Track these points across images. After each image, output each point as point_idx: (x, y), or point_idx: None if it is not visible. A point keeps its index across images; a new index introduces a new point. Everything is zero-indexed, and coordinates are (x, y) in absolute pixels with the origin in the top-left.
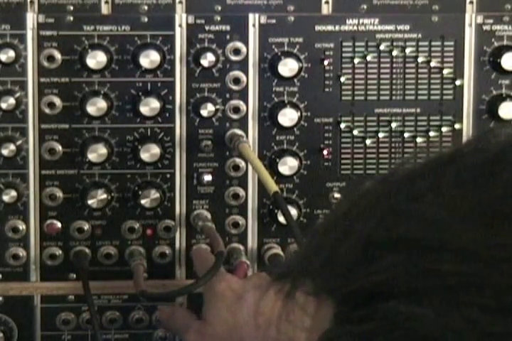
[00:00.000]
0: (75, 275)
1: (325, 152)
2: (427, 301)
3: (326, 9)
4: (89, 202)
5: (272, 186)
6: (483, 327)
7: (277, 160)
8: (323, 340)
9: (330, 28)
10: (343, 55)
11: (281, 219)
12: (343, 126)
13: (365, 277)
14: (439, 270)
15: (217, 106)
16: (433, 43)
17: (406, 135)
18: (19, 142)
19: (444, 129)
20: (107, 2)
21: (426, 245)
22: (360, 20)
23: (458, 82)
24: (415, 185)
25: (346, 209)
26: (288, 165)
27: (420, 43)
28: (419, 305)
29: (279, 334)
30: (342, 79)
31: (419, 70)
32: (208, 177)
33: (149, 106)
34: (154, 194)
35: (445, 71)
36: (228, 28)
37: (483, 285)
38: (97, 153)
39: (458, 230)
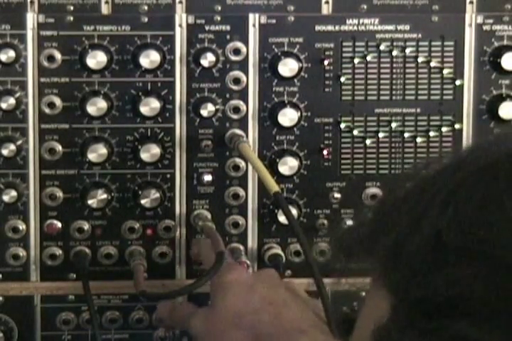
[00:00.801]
0: (75, 275)
1: (325, 152)
2: (495, 327)
3: (326, 9)
4: (89, 202)
5: (273, 186)
6: None
7: (277, 160)
8: (382, 335)
9: (330, 28)
10: (343, 55)
11: (281, 219)
12: (343, 126)
13: (436, 288)
14: None
15: (217, 106)
16: (433, 43)
17: (406, 135)
18: (19, 142)
19: (444, 129)
20: (107, 2)
21: (502, 262)
22: (360, 20)
23: (458, 82)
24: (492, 184)
25: (416, 194)
26: (288, 165)
27: (420, 43)
28: (487, 330)
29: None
30: (342, 79)
31: (419, 70)
32: (208, 177)
33: (149, 106)
34: (154, 194)
35: (445, 71)
36: (228, 28)
37: None
38: (97, 153)
39: None
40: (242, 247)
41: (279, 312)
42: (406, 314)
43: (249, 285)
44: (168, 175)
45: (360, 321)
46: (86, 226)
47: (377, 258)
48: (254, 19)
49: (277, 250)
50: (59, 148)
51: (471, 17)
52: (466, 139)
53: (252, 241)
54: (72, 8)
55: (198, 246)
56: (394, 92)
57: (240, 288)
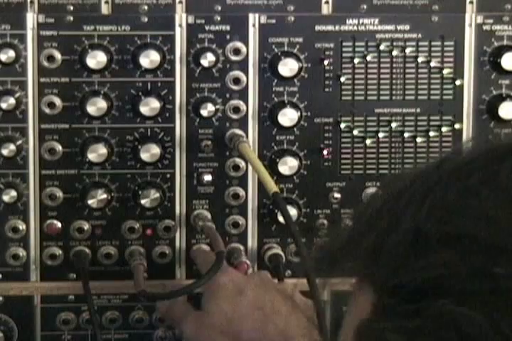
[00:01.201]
0: (75, 275)
1: (325, 152)
2: (477, 303)
3: (326, 9)
4: (89, 202)
5: (272, 186)
6: None
7: (277, 160)
8: (363, 329)
9: (330, 28)
10: (343, 55)
11: (281, 219)
12: (343, 126)
13: (415, 272)
14: (493, 272)
15: (217, 106)
16: (433, 43)
17: (406, 135)
18: (19, 142)
19: (444, 129)
20: (107, 2)
21: (481, 244)
22: (360, 20)
23: (458, 82)
24: (469, 178)
25: (395, 195)
26: (288, 165)
27: (420, 43)
28: (469, 306)
29: (277, 330)
30: (342, 79)
31: (419, 70)
32: (208, 177)
33: (149, 106)
34: (154, 194)
35: (445, 71)
36: (228, 28)
37: None
38: (97, 153)
39: None
40: (242, 247)
41: (267, 319)
42: (388, 302)
43: (240, 289)
44: (168, 175)
45: (344, 322)
46: (86, 226)
47: (359, 259)
48: (254, 19)
49: (277, 250)
50: (59, 148)
51: (471, 17)
52: (466, 139)
53: (252, 241)
54: (72, 8)
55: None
56: (394, 92)
57: (230, 292)
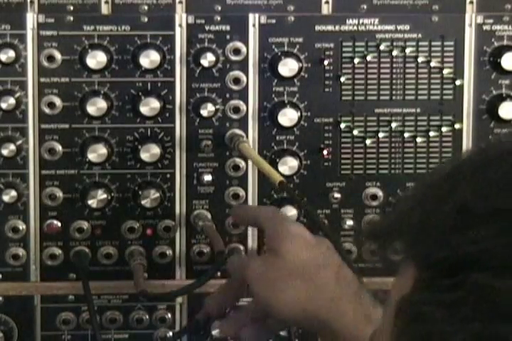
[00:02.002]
0: (75, 276)
1: (325, 152)
2: None
3: (326, 9)
4: (89, 202)
5: (276, 177)
6: None
7: (277, 160)
8: (403, 303)
9: (330, 28)
10: (343, 55)
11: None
12: (343, 126)
13: (458, 245)
14: None
15: (217, 106)
16: (433, 43)
17: (406, 135)
18: (19, 142)
19: (444, 129)
20: (107, 2)
21: None
22: (360, 20)
23: (458, 82)
24: None
25: (443, 175)
26: (288, 165)
27: (420, 43)
28: (507, 279)
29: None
30: (342, 79)
31: (419, 70)
32: (208, 177)
33: (149, 106)
34: (154, 194)
35: (445, 71)
36: (228, 28)
37: None
38: (97, 153)
39: None
40: (242, 247)
41: (338, 272)
42: (428, 276)
43: (314, 243)
44: (168, 175)
45: (388, 300)
46: (86, 226)
47: (405, 236)
48: (254, 19)
49: None
50: (59, 148)
51: (471, 17)
52: (466, 139)
53: (252, 241)
54: (72, 8)
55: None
56: (394, 92)
57: (306, 243)
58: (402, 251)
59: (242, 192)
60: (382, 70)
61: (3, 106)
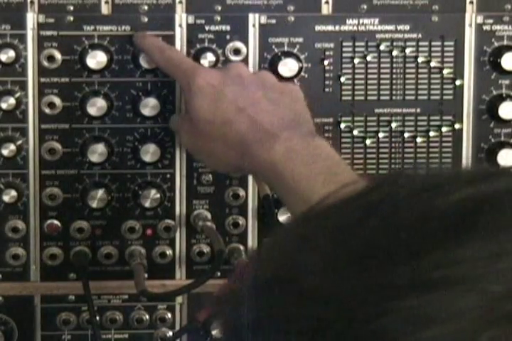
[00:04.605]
0: (75, 276)
1: None
2: None
3: (326, 9)
4: (89, 202)
5: (265, 188)
6: None
7: None
8: None
9: (330, 28)
10: (343, 55)
11: (281, 219)
12: (343, 126)
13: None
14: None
15: None
16: (433, 43)
17: (406, 135)
18: (19, 142)
19: (444, 129)
20: (107, 2)
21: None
22: (360, 20)
23: (458, 82)
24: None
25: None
26: None
27: (420, 43)
28: None
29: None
30: (342, 79)
31: (419, 70)
32: (207, 177)
33: (149, 106)
34: (154, 194)
35: (445, 71)
36: (228, 28)
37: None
38: (97, 153)
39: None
40: (242, 247)
41: (252, 120)
42: None
43: (218, 91)
44: (168, 175)
45: None
46: (86, 226)
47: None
48: (254, 19)
49: None
50: (59, 148)
51: (471, 17)
52: (466, 139)
53: (252, 241)
54: (72, 8)
55: None
56: (394, 92)
57: (209, 96)
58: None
59: (242, 192)
60: (382, 70)
61: (3, 106)
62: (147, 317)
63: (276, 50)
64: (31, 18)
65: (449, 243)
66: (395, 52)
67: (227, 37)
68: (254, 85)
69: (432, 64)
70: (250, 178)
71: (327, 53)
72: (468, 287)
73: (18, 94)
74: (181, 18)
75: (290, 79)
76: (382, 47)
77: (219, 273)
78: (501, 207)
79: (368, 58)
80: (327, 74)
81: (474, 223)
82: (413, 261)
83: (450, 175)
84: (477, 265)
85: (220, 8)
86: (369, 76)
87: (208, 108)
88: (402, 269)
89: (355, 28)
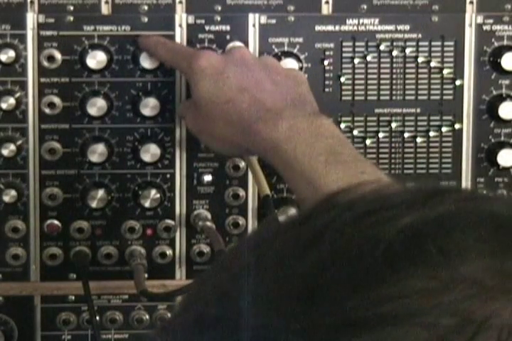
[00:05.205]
0: (75, 276)
1: None
2: None
3: (326, 9)
4: (89, 202)
5: (265, 188)
6: None
7: None
8: None
9: (330, 28)
10: (343, 55)
11: (281, 218)
12: (343, 126)
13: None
14: None
15: None
16: (433, 43)
17: (406, 135)
18: (19, 142)
19: (444, 129)
20: (107, 2)
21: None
22: (360, 20)
23: (458, 82)
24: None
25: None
26: None
27: (420, 43)
28: None
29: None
30: (342, 79)
31: (419, 70)
32: (207, 177)
33: (149, 106)
34: (154, 194)
35: (445, 71)
36: (228, 28)
37: None
38: (97, 153)
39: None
40: None
41: (254, 99)
42: None
43: (220, 72)
44: (168, 175)
45: None
46: (86, 226)
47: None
48: (254, 19)
49: None
50: (59, 148)
51: (471, 17)
52: (466, 139)
53: None
54: (72, 8)
55: None
56: (394, 92)
57: (210, 76)
58: None
59: (242, 192)
60: (382, 70)
61: (3, 106)
62: (147, 317)
63: (276, 50)
64: (31, 18)
65: (395, 275)
66: (395, 52)
67: (227, 37)
68: (257, 67)
69: (432, 64)
70: (250, 178)
71: (327, 53)
72: (417, 321)
73: (18, 94)
74: (181, 18)
75: None
76: (382, 47)
77: None
78: (447, 235)
79: (368, 58)
80: (327, 74)
81: (420, 253)
82: (359, 296)
83: (394, 195)
84: (425, 298)
85: (220, 8)
86: (369, 76)
87: (210, 88)
88: (351, 304)
89: (355, 28)
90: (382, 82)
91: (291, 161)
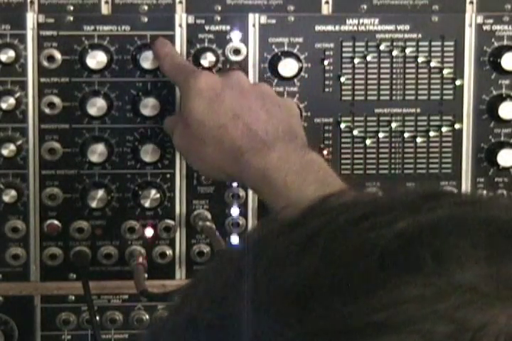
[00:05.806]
0: (75, 276)
1: (325, 152)
2: None
3: (326, 9)
4: (89, 202)
5: None
6: None
7: None
8: None
9: (330, 28)
10: (343, 55)
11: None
12: (343, 126)
13: None
14: None
15: None
16: (433, 43)
17: (406, 135)
18: (19, 142)
19: (444, 129)
20: (107, 2)
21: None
22: (360, 20)
23: (458, 82)
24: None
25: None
26: None
27: (420, 43)
28: None
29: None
30: (342, 79)
31: (419, 70)
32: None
33: (149, 106)
34: (154, 194)
35: (445, 71)
36: (228, 28)
37: None
38: (97, 153)
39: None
40: None
41: (247, 127)
42: None
43: (217, 94)
44: (168, 175)
45: None
46: (86, 226)
47: None
48: (254, 19)
49: None
50: (59, 148)
51: (471, 17)
52: (466, 139)
53: None
54: (72, 8)
55: None
56: (394, 92)
57: (206, 97)
58: None
59: (242, 192)
60: (382, 70)
61: (3, 106)
62: (147, 317)
63: (276, 50)
64: (31, 18)
65: (391, 282)
66: (395, 52)
67: (227, 37)
68: (252, 94)
69: (432, 64)
70: None
71: (327, 53)
72: (413, 329)
73: (18, 94)
74: (181, 18)
75: (290, 79)
76: (382, 47)
77: None
78: (442, 241)
79: (368, 58)
80: (327, 74)
81: (416, 260)
82: (355, 303)
83: (390, 199)
84: (421, 305)
85: (220, 8)
86: (369, 76)
87: (203, 110)
88: (346, 311)
89: (355, 28)
90: (382, 82)
91: (281, 189)
